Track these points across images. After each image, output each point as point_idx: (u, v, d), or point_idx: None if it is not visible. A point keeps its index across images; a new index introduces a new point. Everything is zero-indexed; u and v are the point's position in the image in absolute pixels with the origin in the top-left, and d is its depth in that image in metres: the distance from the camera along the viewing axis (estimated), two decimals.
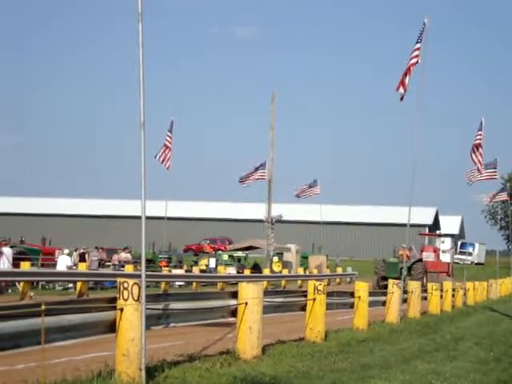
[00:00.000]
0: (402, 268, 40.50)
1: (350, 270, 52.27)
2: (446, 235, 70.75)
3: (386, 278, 39.86)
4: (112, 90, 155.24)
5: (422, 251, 43.66)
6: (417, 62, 18.35)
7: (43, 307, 6.90)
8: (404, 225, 20.42)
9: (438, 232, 71.26)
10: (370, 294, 16.87)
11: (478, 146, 27.57)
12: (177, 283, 33.18)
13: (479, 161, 27.72)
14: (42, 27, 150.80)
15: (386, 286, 35.79)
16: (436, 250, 44.60)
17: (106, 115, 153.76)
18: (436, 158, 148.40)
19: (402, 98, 18.52)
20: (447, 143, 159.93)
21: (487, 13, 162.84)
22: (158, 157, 37.31)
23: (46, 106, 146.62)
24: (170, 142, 37.86)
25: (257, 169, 42.02)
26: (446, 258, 50.23)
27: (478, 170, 29.05)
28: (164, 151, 37.69)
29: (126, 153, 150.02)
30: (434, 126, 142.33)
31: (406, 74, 18.28)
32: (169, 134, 38.00)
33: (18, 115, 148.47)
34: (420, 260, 40.90)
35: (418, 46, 18.34)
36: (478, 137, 27.78)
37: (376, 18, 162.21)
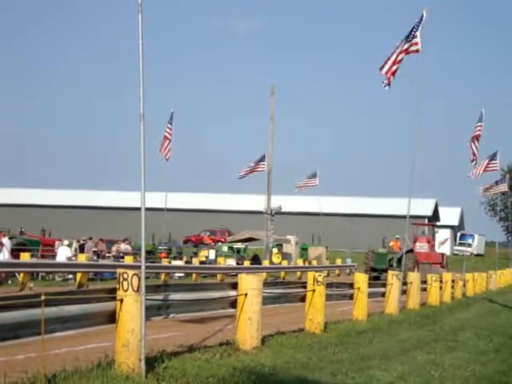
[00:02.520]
0: (391, 259, 40.44)
1: (349, 261, 52.31)
2: (441, 226, 70.52)
3: (375, 269, 39.82)
4: (112, 82, 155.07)
5: (415, 242, 43.04)
6: (417, 51, 18.27)
7: (43, 298, 6.91)
8: (404, 216, 20.40)
9: (436, 223, 71.05)
10: (370, 285, 16.90)
11: (476, 137, 27.58)
12: (176, 274, 33.20)
13: (474, 152, 27.72)
14: (41, 18, 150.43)
15: (375, 277, 35.86)
16: (430, 241, 44.01)
17: (106, 107, 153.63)
18: (436, 149, 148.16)
19: (388, 85, 18.28)
20: (447, 134, 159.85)
21: (487, 6, 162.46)
22: (159, 150, 37.27)
23: (46, 96, 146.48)
24: (170, 134, 37.81)
25: (256, 162, 42.02)
26: (441, 249, 49.94)
27: (472, 161, 29.08)
28: (164, 143, 37.66)
29: (125, 144, 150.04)
30: (434, 117, 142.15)
31: (394, 62, 18.07)
32: (169, 125, 37.93)
33: (17, 106, 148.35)
34: (411, 251, 39.79)
35: (417, 34, 18.24)
36: (478, 128, 27.79)
37: (377, 13, 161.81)
